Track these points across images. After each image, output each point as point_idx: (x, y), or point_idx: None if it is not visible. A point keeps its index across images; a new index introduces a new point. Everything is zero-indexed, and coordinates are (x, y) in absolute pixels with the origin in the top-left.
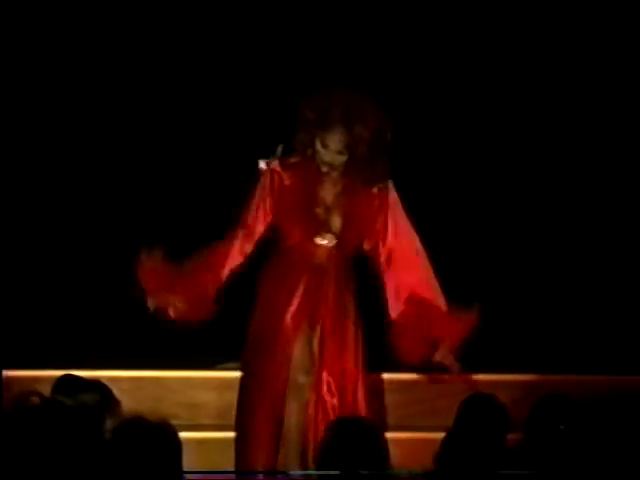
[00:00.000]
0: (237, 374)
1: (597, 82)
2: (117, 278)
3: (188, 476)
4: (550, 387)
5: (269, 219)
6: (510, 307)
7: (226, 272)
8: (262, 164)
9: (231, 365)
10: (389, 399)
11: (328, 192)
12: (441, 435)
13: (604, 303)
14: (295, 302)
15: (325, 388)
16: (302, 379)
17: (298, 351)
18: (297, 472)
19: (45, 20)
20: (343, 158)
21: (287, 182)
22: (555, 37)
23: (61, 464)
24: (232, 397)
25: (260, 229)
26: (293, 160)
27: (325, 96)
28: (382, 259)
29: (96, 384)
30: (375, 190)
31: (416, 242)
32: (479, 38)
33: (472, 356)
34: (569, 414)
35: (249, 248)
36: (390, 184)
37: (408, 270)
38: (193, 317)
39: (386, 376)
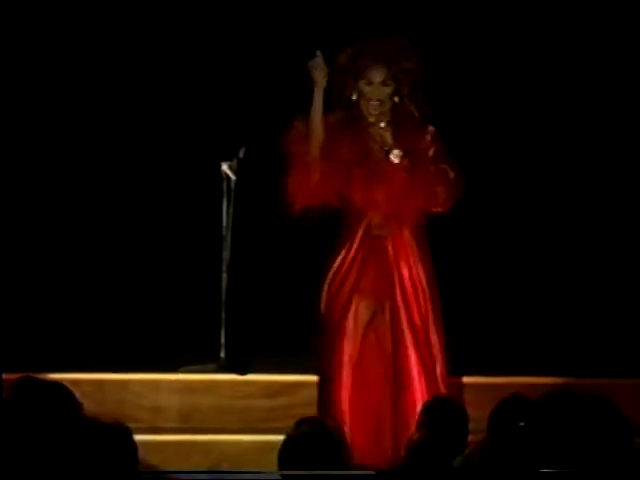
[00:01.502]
0: (200, 377)
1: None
2: (81, 282)
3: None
4: (514, 389)
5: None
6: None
7: None
8: (224, 166)
9: (194, 368)
10: None
11: (380, 144)
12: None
13: (561, 305)
14: (351, 279)
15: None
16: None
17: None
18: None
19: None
20: (389, 89)
21: (334, 138)
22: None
23: (15, 464)
24: (195, 400)
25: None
26: (335, 116)
27: (356, 44)
28: None
29: (57, 386)
30: (429, 129)
31: None
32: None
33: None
34: (529, 414)
35: None
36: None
37: None
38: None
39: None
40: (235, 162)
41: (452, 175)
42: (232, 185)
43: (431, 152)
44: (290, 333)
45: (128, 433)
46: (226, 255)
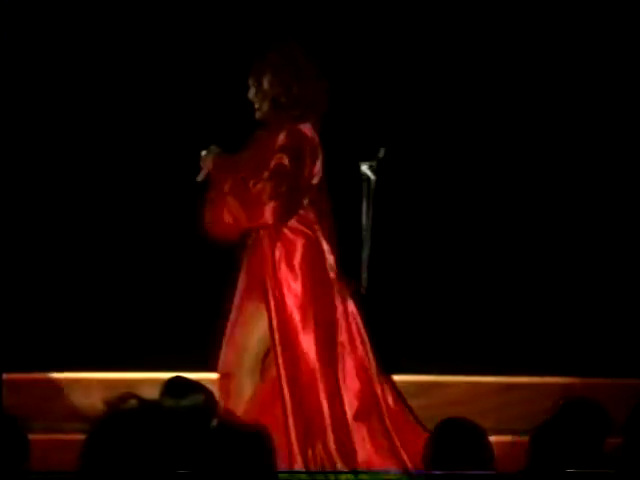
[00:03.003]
0: None
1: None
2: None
3: None
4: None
5: None
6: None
7: None
8: (364, 167)
9: None
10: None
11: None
12: None
13: None
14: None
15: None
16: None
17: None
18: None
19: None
20: (252, 90)
21: None
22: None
23: (156, 466)
24: None
25: None
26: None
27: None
28: None
29: (200, 386)
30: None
31: None
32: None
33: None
34: None
35: None
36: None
37: None
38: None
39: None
40: (375, 162)
41: (283, 188)
42: (372, 185)
43: (271, 165)
44: (431, 332)
45: (265, 437)
46: (365, 255)
